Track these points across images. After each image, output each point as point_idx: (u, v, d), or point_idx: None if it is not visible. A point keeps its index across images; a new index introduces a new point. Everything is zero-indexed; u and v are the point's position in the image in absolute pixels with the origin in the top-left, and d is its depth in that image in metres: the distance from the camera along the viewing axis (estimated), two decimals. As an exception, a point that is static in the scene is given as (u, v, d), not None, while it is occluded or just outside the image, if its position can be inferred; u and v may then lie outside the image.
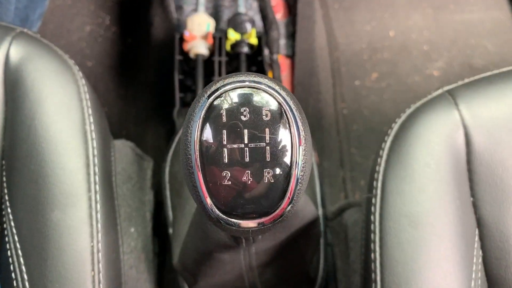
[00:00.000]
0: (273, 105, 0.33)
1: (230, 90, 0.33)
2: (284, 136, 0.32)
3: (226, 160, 0.32)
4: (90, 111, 0.51)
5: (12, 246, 0.48)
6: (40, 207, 0.47)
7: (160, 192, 0.75)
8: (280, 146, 0.32)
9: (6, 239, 0.49)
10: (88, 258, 0.47)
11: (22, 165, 0.49)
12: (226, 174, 0.32)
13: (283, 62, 1.05)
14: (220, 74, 0.91)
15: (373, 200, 0.50)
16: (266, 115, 0.32)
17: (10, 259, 0.48)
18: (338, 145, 1.09)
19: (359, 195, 1.05)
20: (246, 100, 0.32)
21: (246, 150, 0.32)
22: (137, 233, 0.63)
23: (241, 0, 0.97)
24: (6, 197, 0.50)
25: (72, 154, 0.48)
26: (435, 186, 0.48)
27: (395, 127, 0.54)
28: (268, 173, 0.32)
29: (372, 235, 0.49)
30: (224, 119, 0.32)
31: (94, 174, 0.49)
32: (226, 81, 0.33)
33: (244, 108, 0.32)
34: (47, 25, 1.23)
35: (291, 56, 1.06)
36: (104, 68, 1.19)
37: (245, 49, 0.92)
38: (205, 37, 0.93)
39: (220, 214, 0.33)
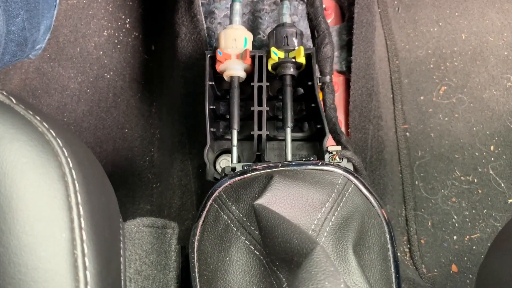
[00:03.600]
0: None
1: None
2: None
3: None
4: (82, 223, 0.35)
5: None
6: None
7: (186, 264, 0.60)
8: None
9: None
10: None
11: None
12: None
13: (335, 80, 0.87)
14: (259, 102, 0.74)
15: None
16: None
17: None
18: (399, 176, 0.91)
19: (424, 240, 0.88)
20: None
21: None
22: None
23: (285, 7, 0.78)
24: None
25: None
26: None
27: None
28: None
29: None
30: None
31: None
32: None
33: None
34: (60, 29, 1.08)
35: (344, 72, 0.87)
36: (124, 80, 1.03)
37: (291, 70, 0.74)
38: (241, 55, 0.75)
39: None
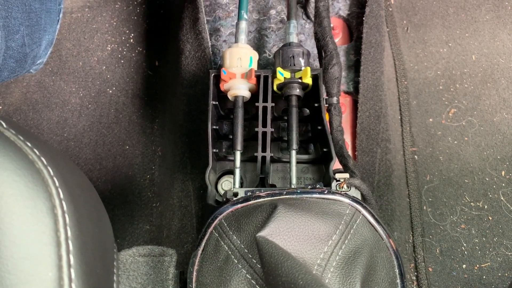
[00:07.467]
0: None
1: None
2: None
3: None
4: (72, 260, 0.33)
5: None
6: None
7: None
8: None
9: None
10: None
11: None
12: None
13: (341, 101, 0.85)
14: (264, 123, 0.71)
15: None
16: None
17: None
18: (407, 201, 0.88)
19: (432, 268, 0.85)
20: None
21: None
22: None
23: (292, 26, 0.76)
24: None
25: None
26: None
27: None
28: None
29: None
30: None
31: None
32: None
33: None
34: (62, 43, 1.06)
35: (352, 92, 0.85)
36: (126, 96, 1.01)
37: (297, 91, 0.72)
38: (246, 75, 0.73)
39: None
